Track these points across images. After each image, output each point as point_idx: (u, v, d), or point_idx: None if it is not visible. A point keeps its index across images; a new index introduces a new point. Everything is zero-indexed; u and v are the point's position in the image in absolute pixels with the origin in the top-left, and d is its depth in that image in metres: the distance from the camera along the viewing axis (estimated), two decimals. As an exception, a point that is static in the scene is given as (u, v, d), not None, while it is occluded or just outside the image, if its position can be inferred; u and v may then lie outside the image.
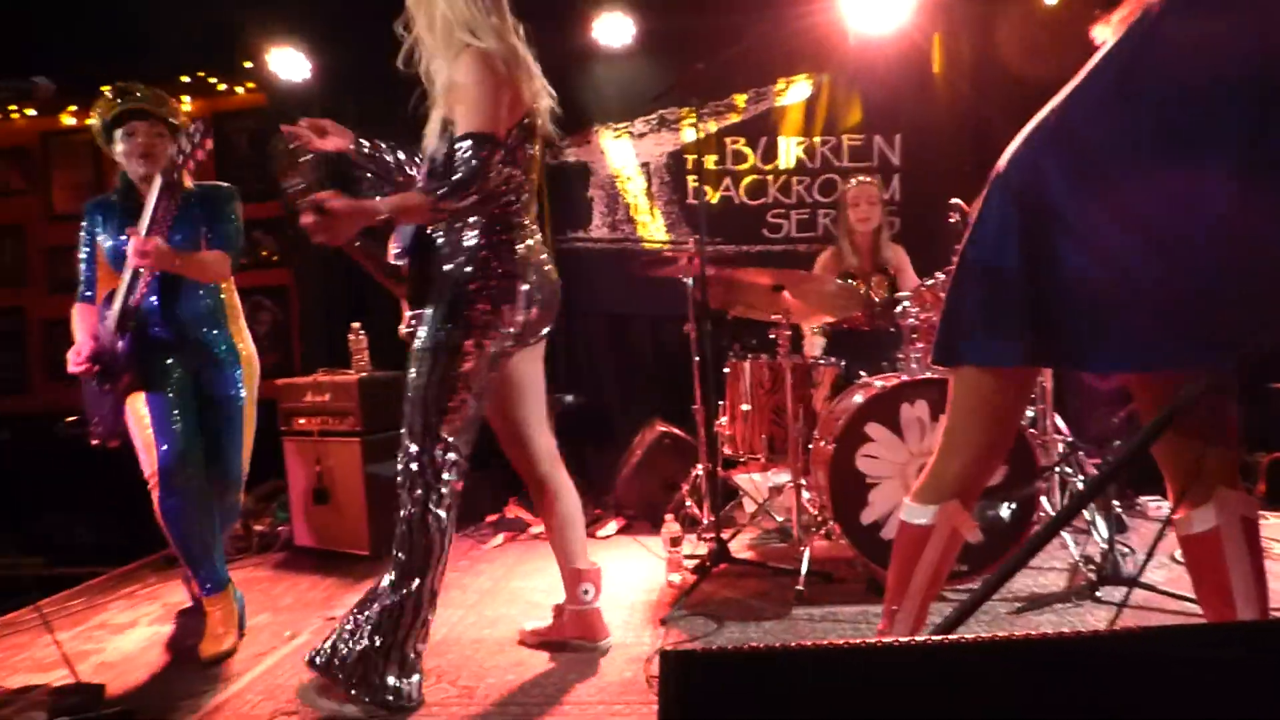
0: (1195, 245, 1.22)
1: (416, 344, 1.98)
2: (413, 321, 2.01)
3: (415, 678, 1.98)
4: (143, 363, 2.44)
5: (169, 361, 2.49)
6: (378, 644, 1.92)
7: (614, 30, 4.16)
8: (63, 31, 4.26)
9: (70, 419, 2.62)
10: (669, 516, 3.01)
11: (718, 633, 2.37)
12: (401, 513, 1.99)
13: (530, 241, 2.06)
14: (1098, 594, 2.45)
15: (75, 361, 2.43)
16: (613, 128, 4.42)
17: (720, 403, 3.24)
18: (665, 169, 4.41)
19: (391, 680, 1.93)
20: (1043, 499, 2.67)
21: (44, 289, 5.06)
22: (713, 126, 4.33)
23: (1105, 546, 2.48)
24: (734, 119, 4.35)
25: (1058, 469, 2.98)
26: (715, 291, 2.98)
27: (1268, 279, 1.21)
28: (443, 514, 1.98)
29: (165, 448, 2.41)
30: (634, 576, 2.99)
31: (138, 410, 2.46)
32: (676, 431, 3.77)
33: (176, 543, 2.47)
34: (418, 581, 1.95)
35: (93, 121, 2.55)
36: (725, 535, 2.85)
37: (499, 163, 1.90)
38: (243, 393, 2.63)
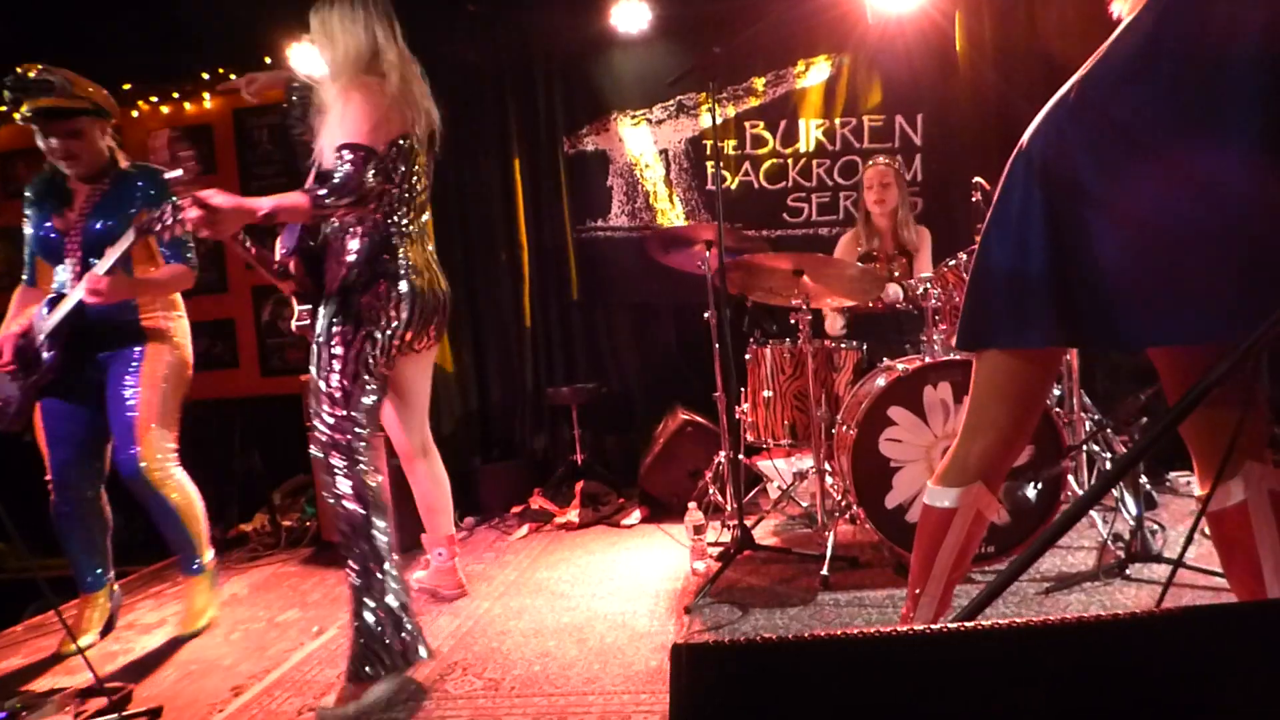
0: (1223, 218, 1.19)
1: (317, 339, 2.15)
2: (305, 316, 2.21)
3: (410, 627, 2.07)
4: (59, 370, 2.44)
5: (80, 362, 2.47)
6: (370, 622, 2.01)
7: (631, 17, 4.13)
8: (83, 30, 4.31)
9: None
10: (692, 504, 3.00)
11: (743, 620, 2.36)
12: (327, 494, 2.11)
13: (411, 251, 2.23)
14: (1128, 572, 2.41)
15: (6, 349, 2.42)
16: (631, 115, 4.39)
17: (742, 389, 3.22)
18: (684, 155, 4.38)
19: (392, 642, 2.01)
20: (1070, 478, 2.62)
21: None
22: (731, 111, 4.29)
23: (1134, 524, 2.44)
24: (753, 102, 4.30)
25: (1085, 448, 2.93)
26: (734, 277, 2.95)
27: None
28: (373, 483, 2.11)
29: (59, 458, 2.49)
30: (658, 565, 2.98)
31: (39, 414, 2.51)
32: (699, 419, 3.76)
33: (60, 541, 2.57)
34: (367, 545, 2.05)
35: (17, 116, 2.41)
36: (749, 522, 2.83)
37: (373, 173, 2.07)
38: (127, 389, 2.47)
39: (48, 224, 2.45)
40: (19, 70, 2.38)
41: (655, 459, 3.75)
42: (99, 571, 2.64)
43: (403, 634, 2.03)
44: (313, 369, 2.15)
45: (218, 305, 5.08)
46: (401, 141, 2.20)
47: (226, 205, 1.87)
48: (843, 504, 2.93)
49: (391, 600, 2.04)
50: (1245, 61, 1.16)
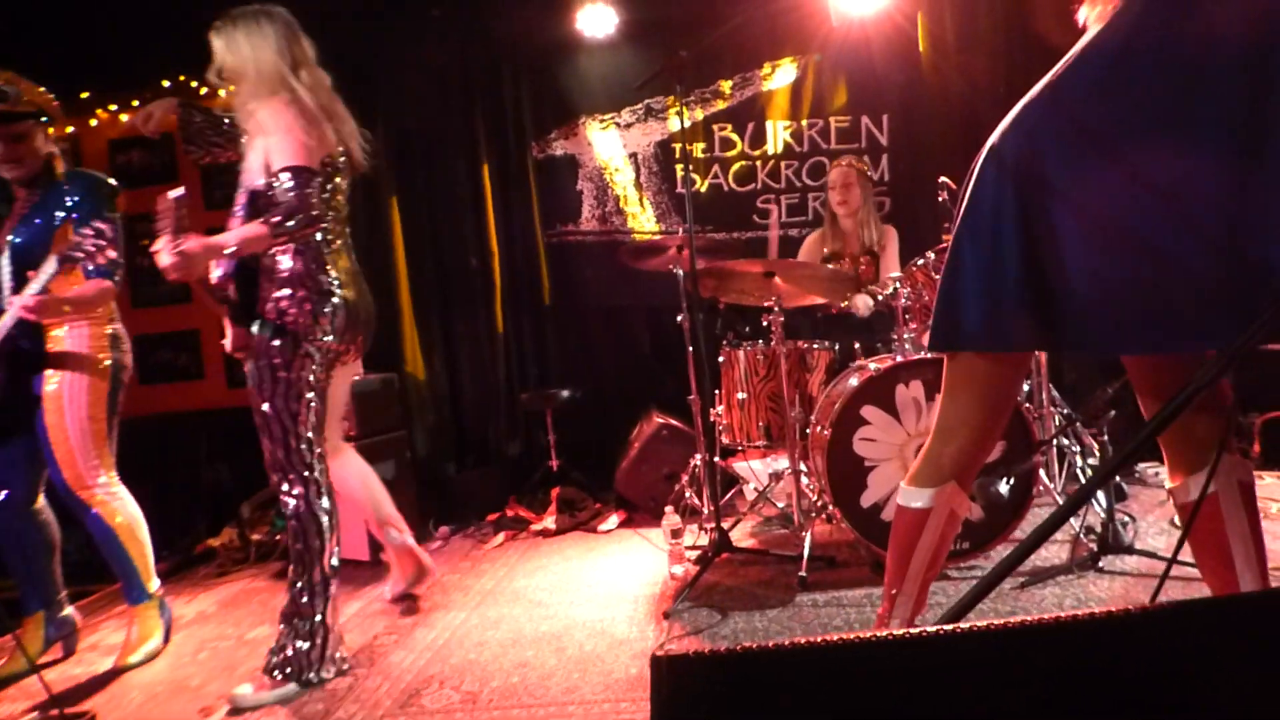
0: (1195, 226, 1.20)
1: (257, 361, 2.18)
2: (241, 338, 2.21)
3: (332, 648, 2.23)
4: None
5: (15, 381, 2.42)
6: (301, 631, 2.18)
7: (597, 21, 4.12)
8: (40, 37, 4.21)
9: None
10: (669, 508, 3.00)
11: (722, 624, 2.36)
12: (287, 512, 2.21)
13: (339, 264, 2.29)
14: (1100, 564, 2.45)
15: None
16: (599, 119, 4.39)
17: (716, 391, 3.22)
18: (654, 159, 4.38)
19: (314, 656, 2.18)
20: (1041, 473, 2.66)
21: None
22: (700, 114, 4.30)
23: (1105, 516, 2.47)
24: (720, 105, 4.32)
25: (1055, 443, 2.97)
26: (706, 281, 2.96)
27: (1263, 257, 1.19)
28: (324, 502, 2.22)
29: None
30: (636, 570, 2.97)
31: None
32: (674, 422, 3.75)
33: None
34: (317, 568, 2.20)
35: None
36: (726, 524, 2.83)
37: (318, 190, 2.14)
38: (45, 400, 2.42)
39: None
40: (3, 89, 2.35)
41: (631, 463, 3.74)
42: (42, 592, 2.56)
43: (325, 651, 2.20)
44: (255, 392, 2.19)
45: (183, 316, 4.98)
46: (328, 158, 2.25)
47: (198, 249, 1.97)
48: (819, 504, 2.94)
49: (320, 618, 2.18)
50: (1220, 70, 1.17)
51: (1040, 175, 1.30)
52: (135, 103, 4.88)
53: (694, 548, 2.99)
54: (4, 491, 2.47)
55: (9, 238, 2.40)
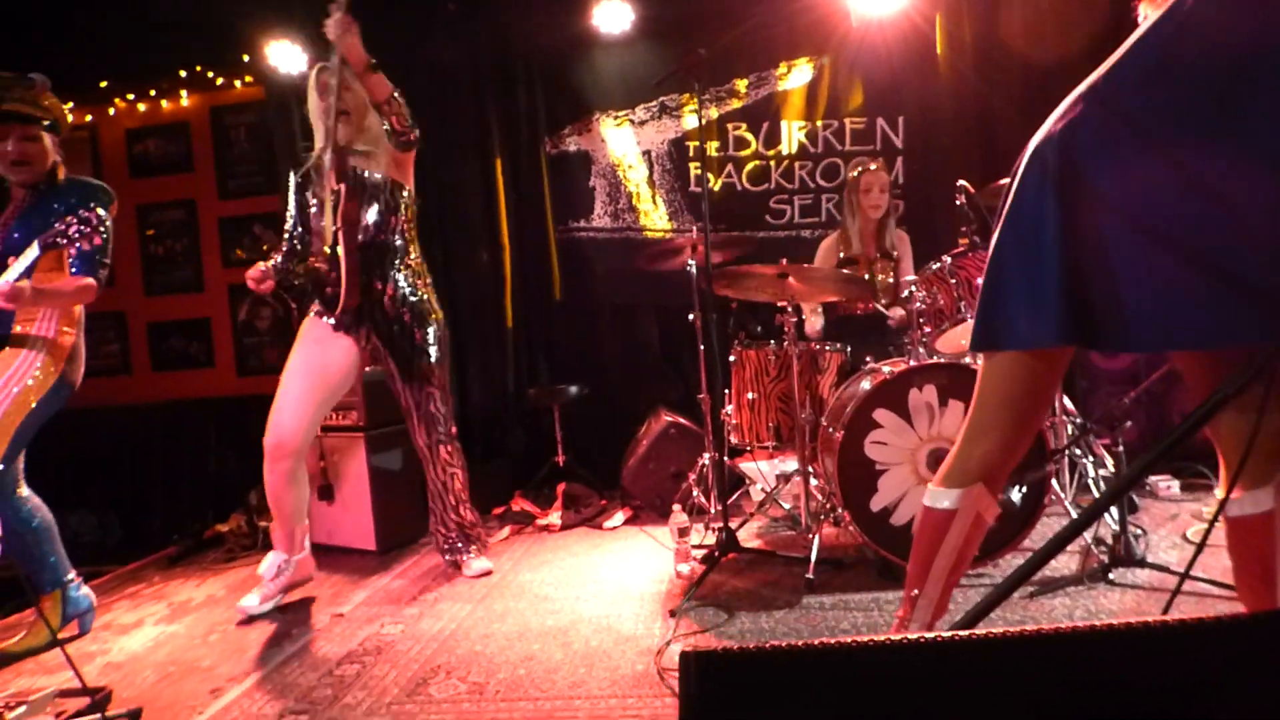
0: (1242, 220, 1.19)
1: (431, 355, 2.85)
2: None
3: None
4: None
5: None
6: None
7: (613, 17, 4.12)
8: (61, 27, 4.22)
9: None
10: (676, 507, 2.99)
11: (729, 623, 2.35)
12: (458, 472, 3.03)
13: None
14: (1110, 576, 2.43)
15: None
16: (614, 115, 4.38)
17: (726, 391, 3.22)
18: (667, 156, 4.37)
19: None
20: (1053, 482, 2.64)
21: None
22: (714, 112, 4.29)
23: (1118, 528, 2.46)
24: (735, 104, 4.31)
25: (1067, 451, 2.96)
26: (719, 280, 2.95)
27: None
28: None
29: None
30: (642, 568, 2.97)
31: None
32: (683, 421, 3.75)
33: None
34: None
35: None
36: (733, 524, 2.83)
37: None
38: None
39: None
40: (32, 78, 2.38)
41: (639, 461, 3.74)
42: (48, 573, 2.57)
43: None
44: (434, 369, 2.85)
45: (194, 304, 5.00)
46: None
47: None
48: (827, 506, 2.94)
49: None
50: (1269, 70, 1.16)
51: (1084, 173, 1.29)
52: (152, 92, 4.90)
53: (700, 547, 2.99)
54: None
55: (10, 233, 2.41)
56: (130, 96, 4.90)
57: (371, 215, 2.76)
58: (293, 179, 2.87)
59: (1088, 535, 2.67)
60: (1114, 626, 0.89)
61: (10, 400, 2.36)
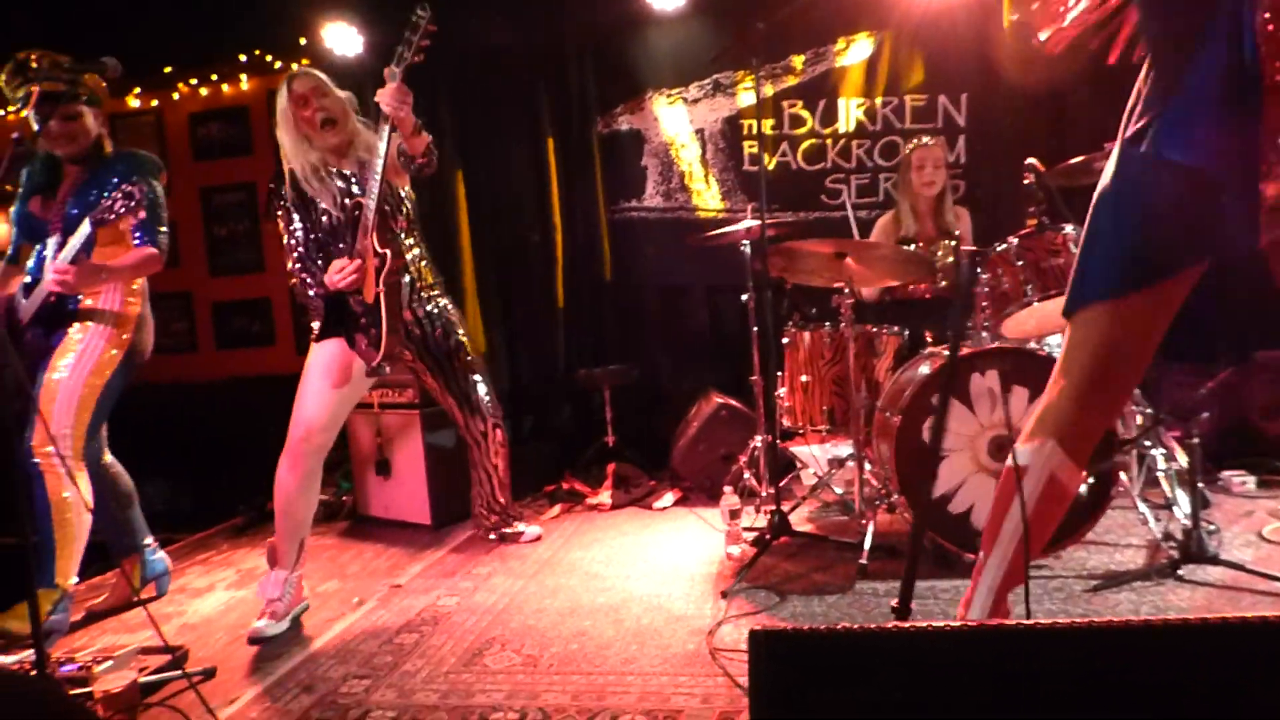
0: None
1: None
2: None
3: None
4: (33, 352, 2.48)
5: (46, 343, 2.49)
6: None
7: (667, -7, 4.06)
8: (123, 13, 4.35)
9: None
10: (728, 488, 2.99)
11: (780, 606, 2.34)
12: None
13: None
14: (1180, 573, 2.35)
15: None
16: (666, 94, 4.34)
17: (779, 373, 3.19)
18: (720, 135, 4.32)
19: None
20: (1121, 474, 2.56)
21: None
22: (769, 90, 4.22)
23: (1190, 523, 2.37)
24: (791, 81, 4.23)
25: (1138, 443, 2.86)
26: (775, 261, 2.91)
27: None
28: None
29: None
30: (692, 548, 2.97)
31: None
32: (733, 403, 3.73)
33: None
34: None
35: (5, 82, 2.43)
36: (784, 508, 2.81)
37: None
38: (55, 360, 2.44)
39: (28, 207, 2.51)
40: (20, 57, 2.41)
41: (688, 442, 3.73)
42: (126, 539, 2.68)
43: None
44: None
45: (257, 285, 5.14)
46: None
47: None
48: (882, 492, 2.89)
49: None
50: None
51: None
52: (213, 76, 5.02)
53: (751, 529, 2.98)
54: None
55: (68, 210, 2.48)
56: (193, 81, 5.03)
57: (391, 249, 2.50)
58: (286, 192, 2.60)
59: (1156, 530, 2.59)
60: (1183, 621, 0.86)
61: (87, 374, 2.46)
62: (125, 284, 2.56)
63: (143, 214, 2.43)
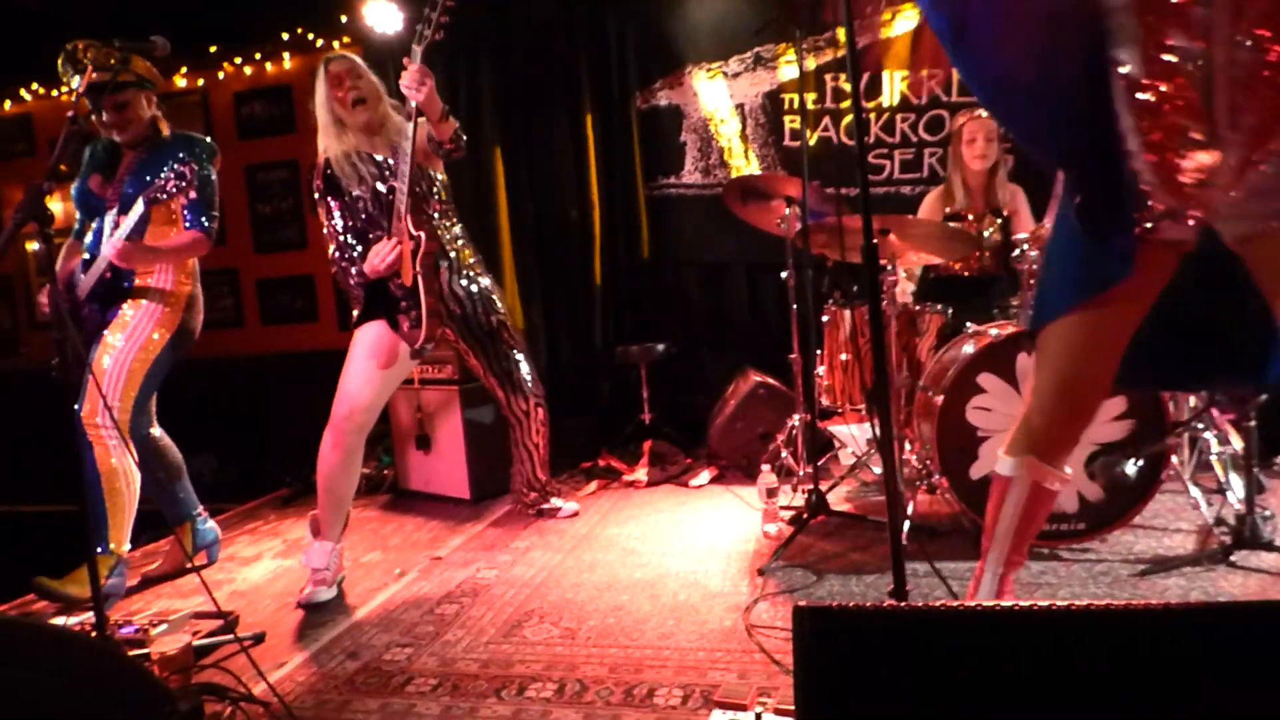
0: None
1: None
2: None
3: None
4: (89, 326, 2.55)
5: (101, 319, 2.55)
6: None
7: (707, -35, 4.00)
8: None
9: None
10: (765, 467, 2.98)
11: (818, 585, 2.34)
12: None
13: None
14: (1232, 559, 2.29)
15: (45, 313, 2.46)
16: (706, 68, 4.29)
17: (818, 352, 3.15)
18: (761, 109, 4.26)
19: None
20: (1172, 457, 2.49)
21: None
22: (812, 63, 4.14)
23: (1244, 509, 2.31)
24: (834, 54, 4.14)
25: (1190, 426, 2.78)
26: (816, 236, 2.87)
27: None
28: None
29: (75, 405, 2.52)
30: (729, 526, 2.98)
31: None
32: (771, 381, 3.71)
33: None
34: None
35: (61, 64, 2.49)
36: (822, 487, 2.79)
37: None
38: (107, 336, 2.51)
39: (88, 185, 2.57)
40: (70, 48, 2.46)
41: (726, 420, 3.72)
42: (178, 509, 2.76)
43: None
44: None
45: (300, 262, 5.22)
46: None
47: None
48: (922, 472, 2.86)
49: None
50: None
51: None
52: (257, 55, 5.08)
53: (788, 508, 2.97)
54: None
55: (124, 189, 2.54)
56: (237, 60, 5.09)
57: (425, 231, 2.53)
58: (320, 184, 2.64)
59: (1208, 515, 2.53)
60: (1232, 604, 0.84)
61: (136, 349, 2.53)
62: (178, 264, 2.62)
63: (193, 194, 2.48)
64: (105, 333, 2.52)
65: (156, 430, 2.74)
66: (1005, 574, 1.72)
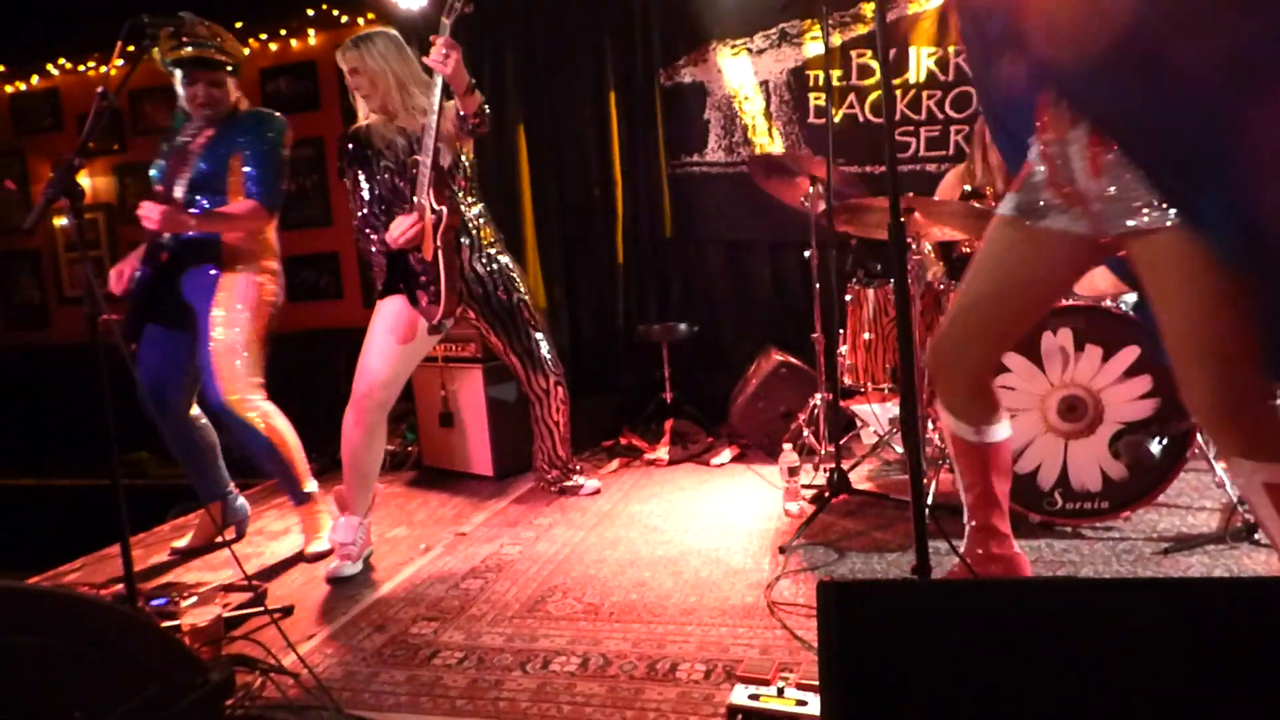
0: None
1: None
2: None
3: None
4: (153, 292, 2.59)
5: (170, 290, 2.60)
6: None
7: (732, -61, 3.95)
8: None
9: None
10: (787, 446, 2.98)
11: (839, 562, 2.35)
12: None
13: None
14: (1256, 537, 2.27)
15: (116, 285, 2.60)
16: (730, 45, 4.24)
17: (841, 331, 3.14)
18: (785, 87, 4.21)
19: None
20: (1197, 435, 2.47)
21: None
22: (837, 39, 4.08)
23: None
24: (860, 30, 4.08)
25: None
26: (839, 215, 2.85)
27: None
28: None
29: (145, 384, 2.60)
30: (750, 504, 2.99)
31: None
32: (793, 360, 3.70)
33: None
34: None
35: (155, 53, 2.54)
36: (844, 466, 2.80)
37: None
38: (211, 323, 2.55)
39: (166, 160, 2.60)
40: (182, 17, 2.48)
41: (747, 399, 3.73)
42: (211, 487, 2.83)
43: None
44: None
45: (324, 239, 5.26)
46: None
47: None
48: (944, 451, 2.85)
49: None
50: None
51: None
52: (283, 31, 5.09)
53: (810, 486, 2.98)
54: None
55: (197, 163, 2.57)
56: (263, 36, 5.11)
57: (448, 206, 2.56)
58: (350, 150, 2.68)
59: (1233, 494, 2.50)
60: (1256, 579, 0.84)
61: (253, 348, 2.60)
62: (262, 241, 2.67)
63: (257, 166, 2.53)
64: (210, 319, 2.54)
65: (195, 410, 2.80)
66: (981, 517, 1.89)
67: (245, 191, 2.59)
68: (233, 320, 2.56)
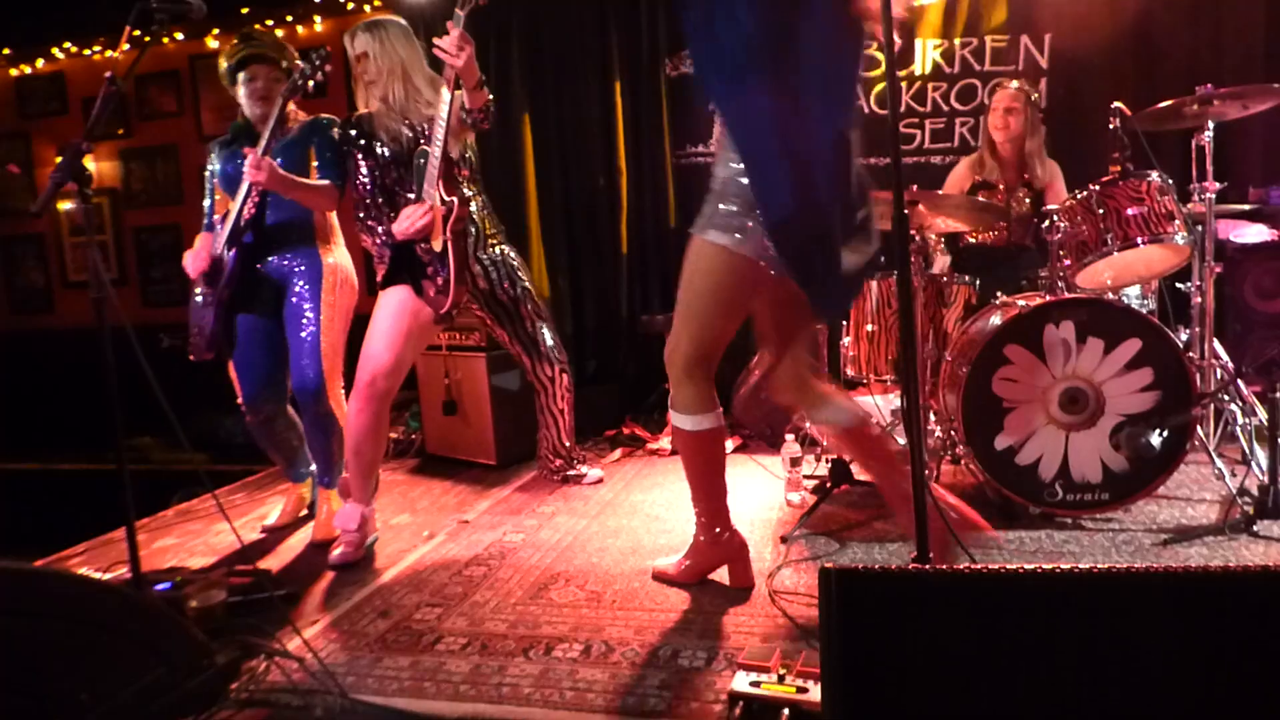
0: None
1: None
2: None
3: None
4: (241, 278, 2.64)
5: (260, 278, 2.66)
6: None
7: (738, -72, 3.92)
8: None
9: (167, 334, 2.82)
10: (789, 436, 2.99)
11: (840, 552, 2.37)
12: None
13: None
14: (1255, 528, 2.29)
15: (194, 267, 2.67)
16: (735, 35, 4.23)
17: (844, 322, 3.15)
18: (789, 78, 4.20)
19: None
20: (1197, 428, 2.48)
21: (199, 206, 5.44)
22: (842, 30, 4.06)
23: (1267, 479, 2.30)
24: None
25: (1215, 397, 2.75)
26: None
27: None
28: None
29: (249, 384, 2.69)
30: (752, 495, 3.00)
31: (235, 334, 2.70)
32: (795, 352, 3.71)
33: (266, 451, 2.90)
34: None
35: (221, 65, 2.72)
36: (846, 456, 2.81)
37: None
38: (308, 306, 2.63)
39: (239, 159, 2.60)
40: (250, 30, 2.75)
41: (750, 390, 3.73)
42: (300, 469, 2.95)
43: None
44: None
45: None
46: None
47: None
48: (946, 443, 2.86)
49: None
50: None
51: None
52: (289, 18, 5.08)
53: (812, 477, 2.99)
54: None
55: (275, 160, 2.59)
56: (269, 22, 5.09)
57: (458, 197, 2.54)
58: (352, 135, 2.70)
59: (1232, 486, 2.51)
60: (1255, 569, 0.85)
61: (341, 342, 2.68)
62: (332, 225, 2.77)
63: (328, 153, 2.65)
64: (306, 294, 2.64)
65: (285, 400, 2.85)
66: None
67: (319, 173, 2.68)
68: (330, 304, 2.66)
